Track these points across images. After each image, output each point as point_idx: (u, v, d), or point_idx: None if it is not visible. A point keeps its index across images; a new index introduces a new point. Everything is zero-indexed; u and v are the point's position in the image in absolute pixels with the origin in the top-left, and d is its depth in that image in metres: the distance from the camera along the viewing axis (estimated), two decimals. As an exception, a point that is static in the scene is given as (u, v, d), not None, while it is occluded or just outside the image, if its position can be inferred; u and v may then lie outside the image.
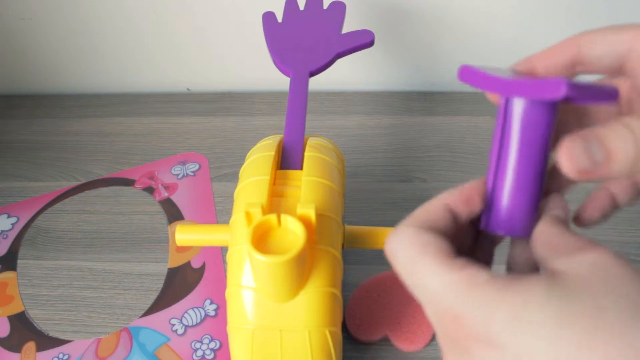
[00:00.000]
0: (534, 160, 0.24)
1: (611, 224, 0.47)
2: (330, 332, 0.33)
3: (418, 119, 0.58)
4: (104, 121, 0.60)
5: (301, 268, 0.31)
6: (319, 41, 0.44)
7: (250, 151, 0.39)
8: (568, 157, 0.21)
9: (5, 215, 0.51)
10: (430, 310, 0.23)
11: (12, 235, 0.50)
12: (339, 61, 0.44)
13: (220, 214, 0.51)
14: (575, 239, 0.23)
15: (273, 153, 0.36)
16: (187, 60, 0.61)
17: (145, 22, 0.57)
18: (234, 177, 0.53)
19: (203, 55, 0.60)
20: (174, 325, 0.43)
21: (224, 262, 0.47)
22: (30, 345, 0.43)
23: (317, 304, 0.32)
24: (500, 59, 0.46)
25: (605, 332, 0.19)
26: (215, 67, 0.61)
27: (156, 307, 0.45)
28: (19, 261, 0.48)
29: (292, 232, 0.31)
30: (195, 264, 0.47)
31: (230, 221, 0.35)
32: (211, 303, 0.44)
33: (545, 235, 0.24)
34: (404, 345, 0.41)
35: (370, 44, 0.44)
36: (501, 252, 0.29)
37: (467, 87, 0.46)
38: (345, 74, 0.60)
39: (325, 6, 0.46)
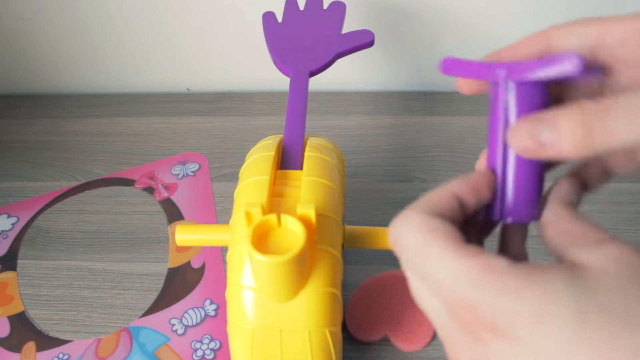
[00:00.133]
0: None
1: (611, 224, 0.48)
2: (330, 332, 0.33)
3: (418, 119, 0.58)
4: (104, 121, 0.60)
5: (301, 268, 0.31)
6: (319, 41, 0.44)
7: (250, 151, 0.39)
8: (511, 136, 0.23)
9: (5, 215, 0.51)
10: (439, 298, 0.22)
11: (12, 235, 0.50)
12: (339, 61, 0.44)
13: (220, 214, 0.51)
14: (593, 228, 0.22)
15: (273, 153, 0.36)
16: (187, 60, 0.61)
17: (145, 22, 0.57)
18: (234, 177, 0.53)
19: (203, 55, 0.60)
20: (174, 325, 0.43)
21: (224, 262, 0.47)
22: (30, 345, 0.43)
23: (317, 304, 0.32)
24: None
25: (634, 333, 0.18)
26: (215, 67, 0.61)
27: (156, 307, 0.45)
28: (19, 261, 0.48)
29: (292, 232, 0.31)
30: (195, 264, 0.47)
31: (230, 221, 0.35)
32: (211, 303, 0.44)
33: (561, 222, 0.23)
34: (404, 345, 0.41)
35: (370, 44, 0.44)
36: (487, 246, 0.28)
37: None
38: (345, 74, 0.60)
39: (325, 6, 0.46)
